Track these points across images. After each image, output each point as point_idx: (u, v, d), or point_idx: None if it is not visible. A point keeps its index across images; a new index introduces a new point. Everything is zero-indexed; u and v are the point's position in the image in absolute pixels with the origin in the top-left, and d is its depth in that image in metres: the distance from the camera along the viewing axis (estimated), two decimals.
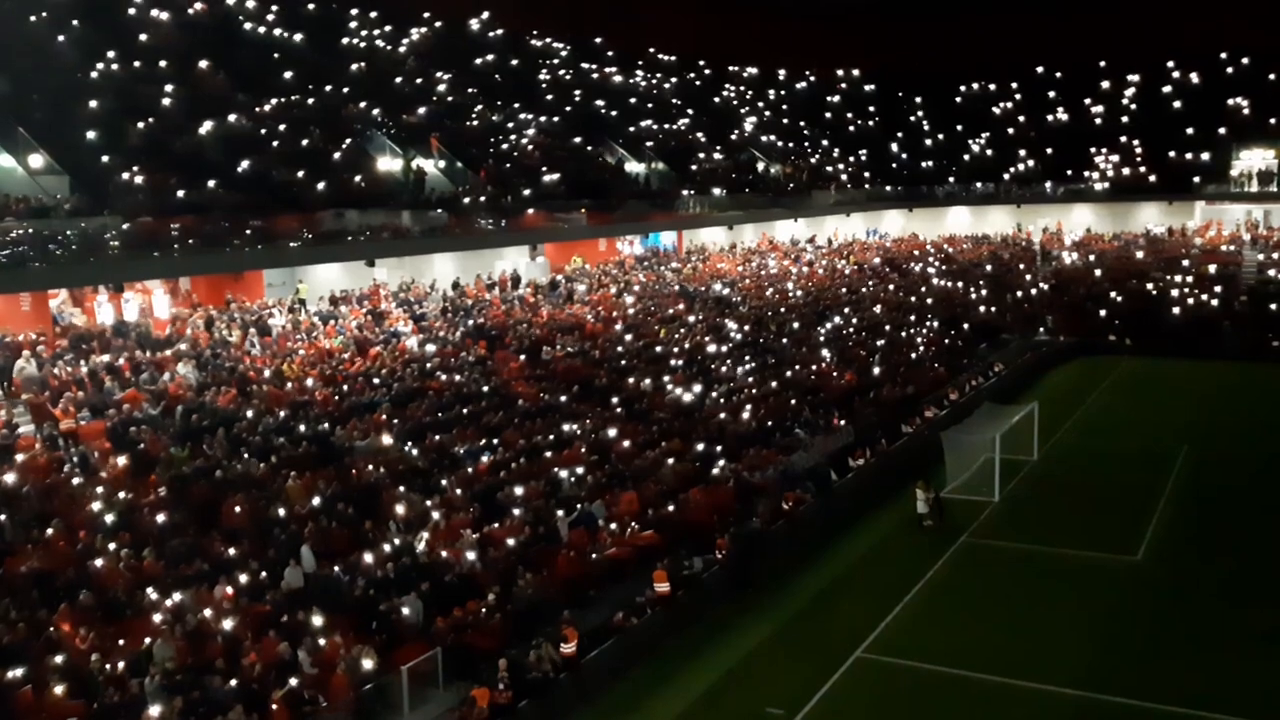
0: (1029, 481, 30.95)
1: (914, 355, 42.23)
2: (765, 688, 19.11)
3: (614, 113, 58.81)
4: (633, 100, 63.11)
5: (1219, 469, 31.49)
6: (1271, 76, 70.56)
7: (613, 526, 23.46)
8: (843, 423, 32.59)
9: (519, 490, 24.15)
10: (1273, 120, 64.97)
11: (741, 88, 76.71)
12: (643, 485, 25.76)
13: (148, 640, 16.78)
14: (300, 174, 34.84)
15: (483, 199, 40.16)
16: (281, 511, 21.44)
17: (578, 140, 51.76)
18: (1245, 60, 72.81)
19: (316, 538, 20.57)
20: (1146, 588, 23.03)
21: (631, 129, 57.81)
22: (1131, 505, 28.15)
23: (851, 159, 72.48)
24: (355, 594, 19.25)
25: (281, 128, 37.29)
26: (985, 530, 27.05)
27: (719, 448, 29.00)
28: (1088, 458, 33.39)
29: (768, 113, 74.26)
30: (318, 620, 18.03)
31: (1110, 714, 17.68)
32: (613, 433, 28.61)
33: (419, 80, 49.04)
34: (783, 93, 79.53)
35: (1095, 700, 17.99)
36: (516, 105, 51.64)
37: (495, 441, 26.75)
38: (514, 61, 58.52)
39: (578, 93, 58.58)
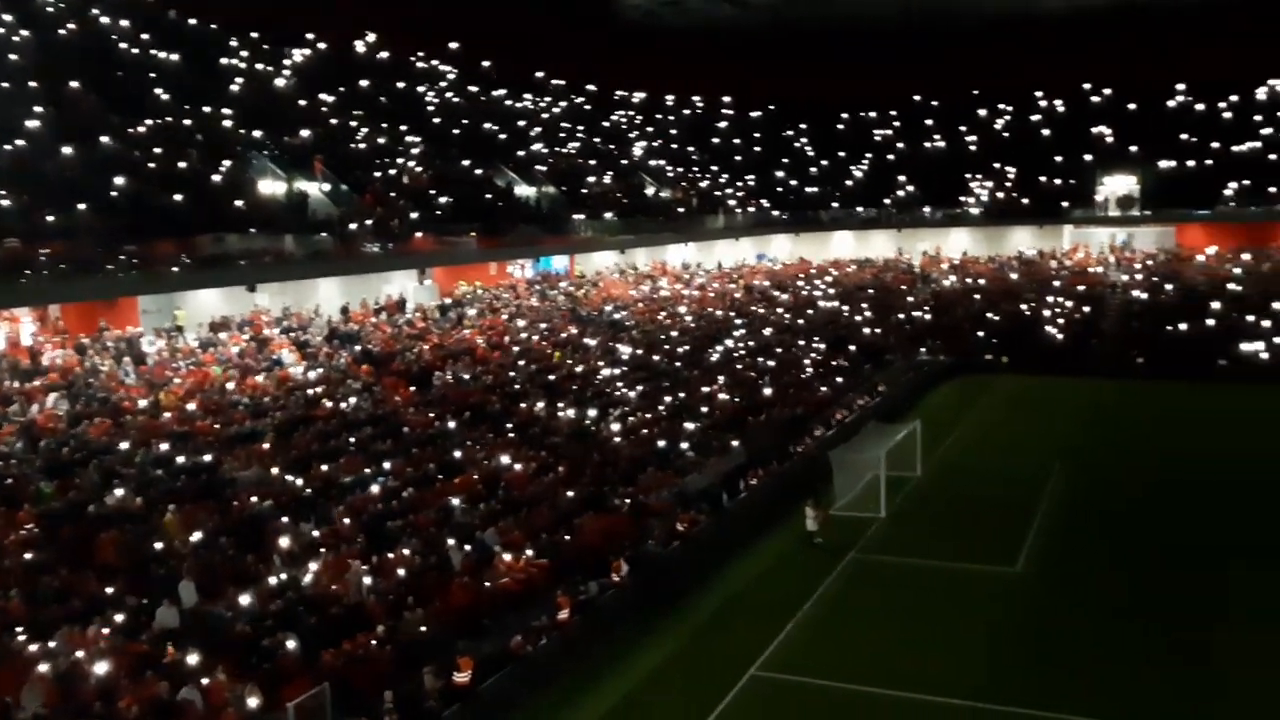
0: (914, 497, 31.74)
1: (802, 376, 43.00)
2: (663, 710, 19.12)
3: (503, 136, 58.71)
4: (521, 123, 63.10)
5: (1090, 481, 32.80)
6: (1131, 106, 74.45)
7: (507, 557, 23.14)
8: (735, 443, 32.94)
9: (409, 519, 23.72)
10: (1133, 148, 68.46)
11: (630, 113, 77.40)
12: (536, 510, 25.57)
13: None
14: (177, 197, 33.78)
15: (369, 222, 39.55)
16: (160, 546, 20.63)
17: (466, 163, 51.45)
18: (1107, 90, 76.72)
19: (197, 573, 19.85)
20: (1026, 597, 23.76)
21: (521, 152, 57.76)
22: (1010, 518, 29.07)
23: (739, 184, 73.69)
24: (238, 630, 18.61)
25: (157, 150, 36.15)
26: (873, 546, 27.61)
27: (613, 471, 29.00)
28: (968, 473, 34.44)
29: (658, 139, 75.04)
30: (198, 658, 17.34)
31: None
32: (506, 459, 28.37)
33: (302, 102, 48.16)
34: (670, 118, 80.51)
35: (986, 710, 18.38)
36: (403, 128, 51.12)
37: (385, 468, 26.28)
38: (400, 84, 57.95)
39: (465, 117, 58.30)
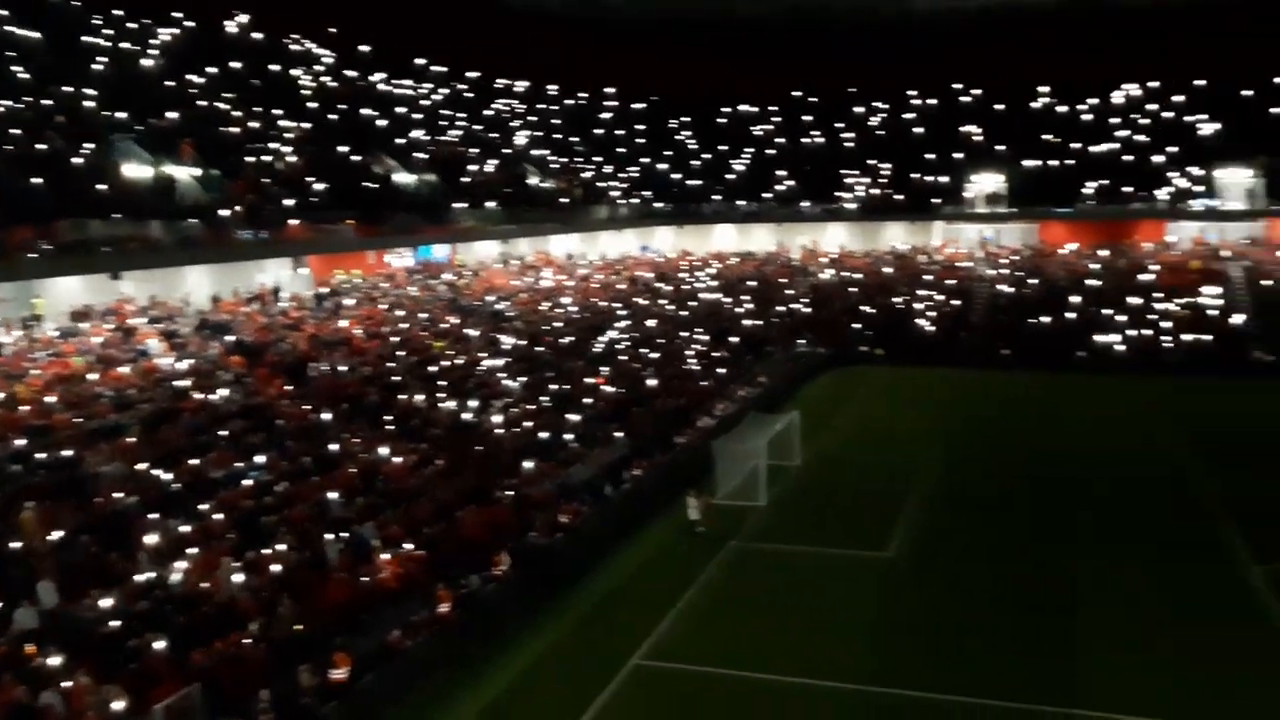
0: (793, 486, 32.40)
1: (685, 367, 43.40)
2: (544, 701, 19.12)
3: (382, 122, 57.57)
4: (401, 110, 61.99)
5: (959, 470, 34.03)
6: (999, 107, 77.32)
7: (385, 557, 22.71)
8: (618, 435, 33.06)
9: (284, 514, 23.14)
10: (1001, 146, 71.12)
11: (512, 101, 76.81)
12: (416, 504, 25.23)
13: None
14: (37, 180, 32.15)
15: (240, 209, 38.30)
16: (17, 545, 19.68)
17: (344, 149, 50.27)
18: (977, 91, 79.50)
19: (57, 572, 18.99)
20: (897, 580, 24.52)
21: (400, 139, 56.73)
22: (883, 505, 29.96)
23: (622, 176, 73.84)
24: (102, 631, 17.89)
25: (16, 131, 34.34)
26: (753, 534, 28.11)
27: (496, 463, 28.79)
28: (845, 463, 35.34)
29: (540, 129, 74.63)
30: (60, 661, 16.62)
31: (883, 704, 18.59)
32: (384, 451, 27.90)
33: (169, 83, 46.33)
34: (554, 108, 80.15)
35: (865, 692, 18.91)
36: (278, 112, 49.65)
37: (258, 462, 25.56)
38: (274, 67, 56.27)
39: (343, 101, 56.96)
